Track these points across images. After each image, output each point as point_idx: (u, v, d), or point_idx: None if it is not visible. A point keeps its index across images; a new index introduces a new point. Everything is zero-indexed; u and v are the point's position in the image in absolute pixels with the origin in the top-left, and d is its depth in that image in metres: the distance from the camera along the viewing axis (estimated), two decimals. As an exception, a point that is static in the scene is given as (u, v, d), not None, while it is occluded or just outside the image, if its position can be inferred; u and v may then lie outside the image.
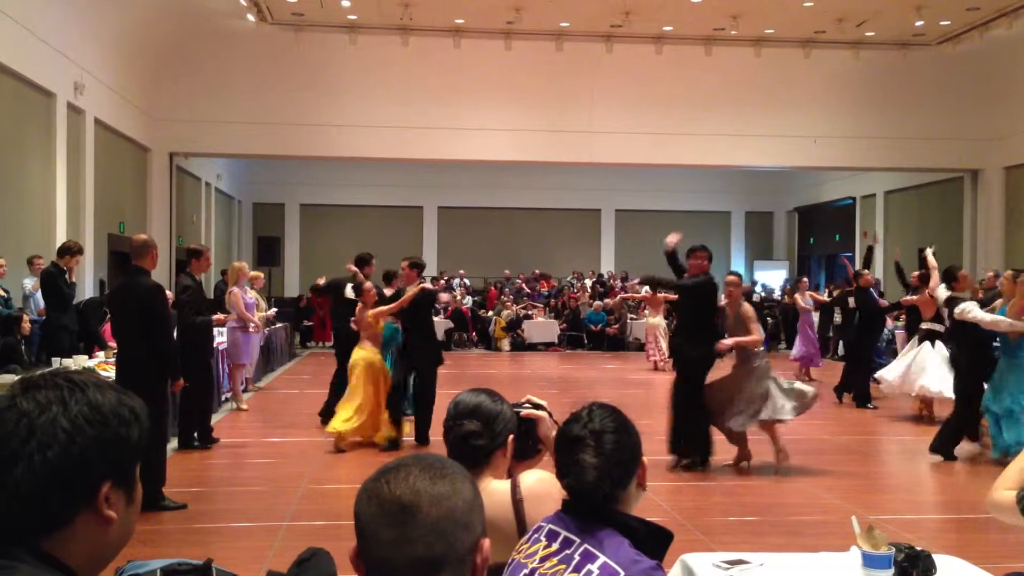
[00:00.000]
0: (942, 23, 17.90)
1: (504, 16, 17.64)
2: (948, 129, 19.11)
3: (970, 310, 7.67)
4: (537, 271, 25.03)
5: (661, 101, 19.29)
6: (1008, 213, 19.03)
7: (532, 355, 19.69)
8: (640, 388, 14.06)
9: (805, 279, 16.96)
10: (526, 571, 2.04)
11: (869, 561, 2.49)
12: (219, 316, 9.22)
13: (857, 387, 11.90)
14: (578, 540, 2.05)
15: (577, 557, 2.02)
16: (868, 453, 9.22)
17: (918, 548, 2.72)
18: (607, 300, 21.13)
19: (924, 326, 10.63)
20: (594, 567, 1.98)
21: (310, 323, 20.99)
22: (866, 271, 12.41)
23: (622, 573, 1.94)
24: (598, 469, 2.05)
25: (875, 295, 12.38)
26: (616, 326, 20.93)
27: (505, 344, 20.37)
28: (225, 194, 23.90)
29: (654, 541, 2.05)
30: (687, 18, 17.87)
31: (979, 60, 18.84)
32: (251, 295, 11.44)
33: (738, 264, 28.56)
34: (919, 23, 17.71)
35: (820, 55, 19.32)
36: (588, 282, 23.77)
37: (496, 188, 26.55)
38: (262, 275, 13.50)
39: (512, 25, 18.24)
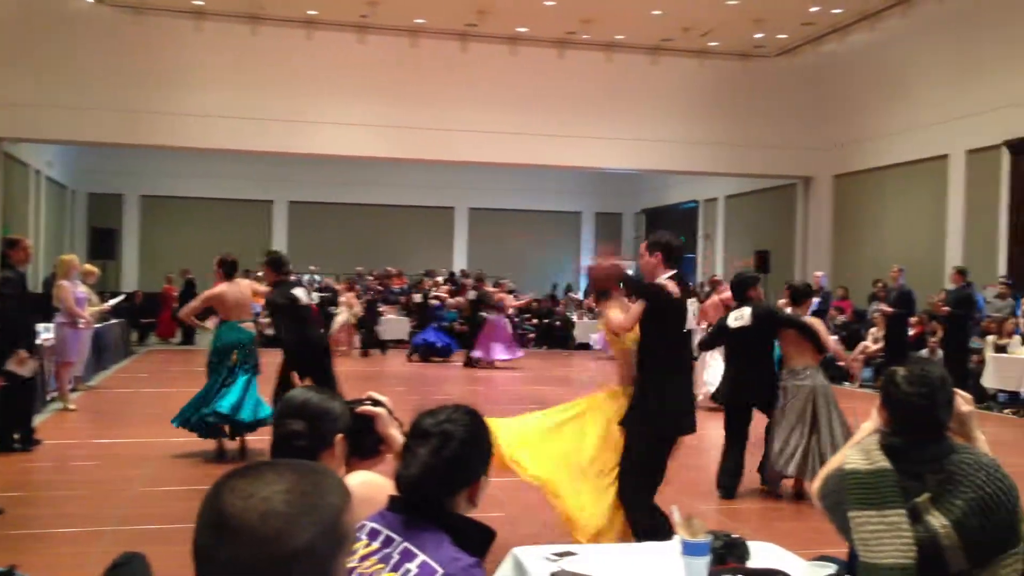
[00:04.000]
0: (779, 36, 18.82)
1: (358, 9, 17.42)
2: (784, 138, 20.10)
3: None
4: (390, 268, 24.82)
5: (515, 101, 19.48)
6: (836, 219, 20.18)
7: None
8: (487, 385, 14.16)
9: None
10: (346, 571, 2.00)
11: (688, 549, 2.57)
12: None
13: None
14: (399, 538, 2.02)
15: (396, 556, 1.99)
16: (702, 447, 9.55)
17: (735, 535, 2.83)
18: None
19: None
20: (413, 565, 1.95)
21: (151, 320, 20.10)
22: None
23: (441, 571, 1.92)
24: (426, 468, 2.03)
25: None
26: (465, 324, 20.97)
27: (356, 341, 20.10)
28: (57, 183, 22.59)
29: (476, 539, 2.04)
30: (540, 21, 18.13)
31: (813, 73, 19.90)
32: (83, 290, 10.85)
33: (587, 264, 29.18)
34: (759, 35, 18.56)
35: (667, 62, 19.98)
36: (440, 279, 23.74)
37: (349, 184, 26.20)
38: (96, 270, 12.82)
39: (366, 19, 18.06)
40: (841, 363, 14.48)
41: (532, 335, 21.69)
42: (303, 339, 7.89)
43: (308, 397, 2.56)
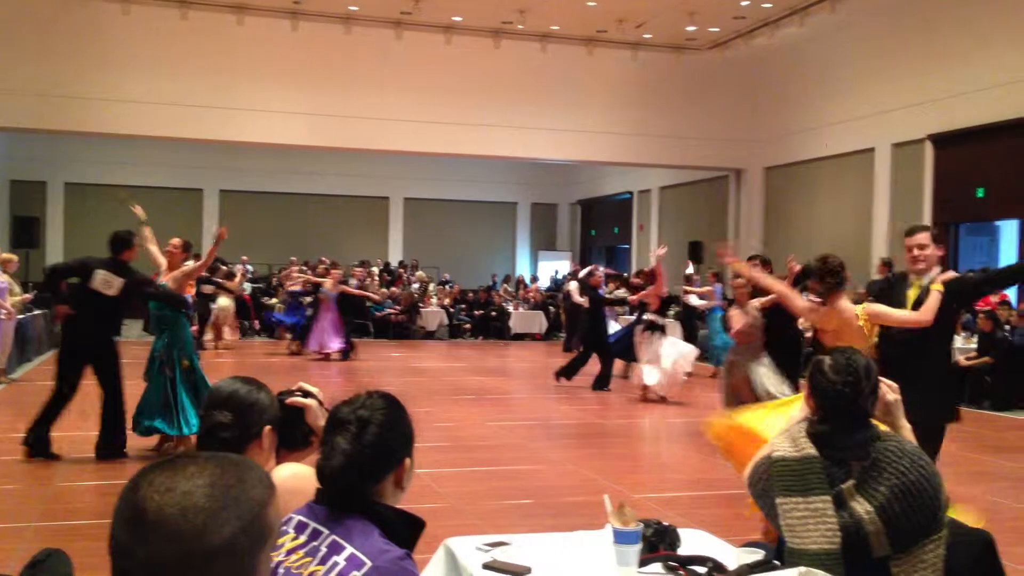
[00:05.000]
0: (711, 30, 19.04)
1: (290, -5, 17.17)
2: (716, 130, 20.36)
3: None
4: (324, 258, 24.55)
5: (450, 91, 19.39)
6: (767, 210, 20.54)
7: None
8: (424, 376, 14.11)
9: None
10: (270, 566, 1.96)
11: (620, 537, 2.59)
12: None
13: (601, 371, 12.65)
14: (326, 531, 1.99)
15: (324, 549, 1.96)
16: (632, 435, 9.68)
17: (665, 523, 2.86)
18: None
19: (647, 317, 11.68)
20: (340, 558, 1.92)
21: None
22: (599, 271, 14.12)
23: (369, 563, 1.89)
24: (348, 457, 2.00)
25: (602, 293, 13.40)
26: (403, 315, 20.89)
27: (288, 332, 19.85)
28: (-25, 170, 21.88)
29: (406, 530, 2.02)
30: (475, 10, 18.07)
31: (744, 66, 20.18)
32: (3, 279, 10.52)
33: (523, 254, 29.29)
34: (691, 28, 18.75)
35: (602, 53, 20.08)
36: (375, 270, 23.60)
37: (282, 172, 25.83)
38: (16, 258, 12.45)
39: (299, 5, 17.79)
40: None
41: (468, 325, 21.69)
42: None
43: (235, 388, 2.52)
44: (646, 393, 11.52)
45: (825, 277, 5.18)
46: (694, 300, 15.55)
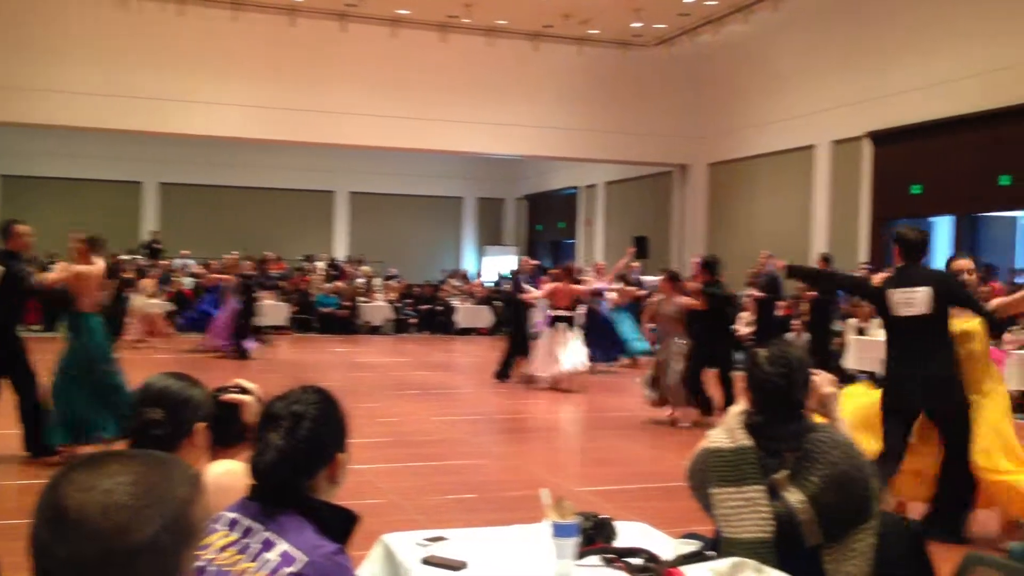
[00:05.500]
0: (657, 26, 19.18)
1: (232, -14, 16.92)
2: (661, 126, 20.53)
3: None
4: (268, 253, 24.26)
5: (396, 84, 19.26)
6: (711, 206, 20.78)
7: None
8: (368, 372, 14.02)
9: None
10: (200, 564, 1.93)
11: (558, 531, 2.60)
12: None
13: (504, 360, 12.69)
14: (259, 527, 1.97)
15: (256, 545, 1.94)
16: (559, 428, 9.74)
17: (603, 516, 2.87)
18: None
19: (551, 313, 11.95)
20: (272, 555, 1.90)
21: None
22: (529, 262, 14.75)
23: (303, 559, 1.88)
24: (281, 452, 1.99)
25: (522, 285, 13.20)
26: (347, 309, 20.73)
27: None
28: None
29: (339, 524, 2.01)
30: (421, 3, 17.98)
31: (689, 63, 20.38)
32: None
33: (469, 249, 29.26)
34: (637, 24, 18.88)
35: (548, 48, 20.11)
36: (320, 264, 23.40)
37: (225, 165, 25.44)
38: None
39: (241, -4, 17.55)
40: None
41: (414, 320, 21.59)
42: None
43: (167, 384, 2.48)
44: (543, 383, 11.72)
45: None
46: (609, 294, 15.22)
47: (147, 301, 17.00)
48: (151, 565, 1.14)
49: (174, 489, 1.18)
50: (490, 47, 19.73)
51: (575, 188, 26.10)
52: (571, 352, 11.58)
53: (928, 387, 5.15)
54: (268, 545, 1.93)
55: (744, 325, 14.74)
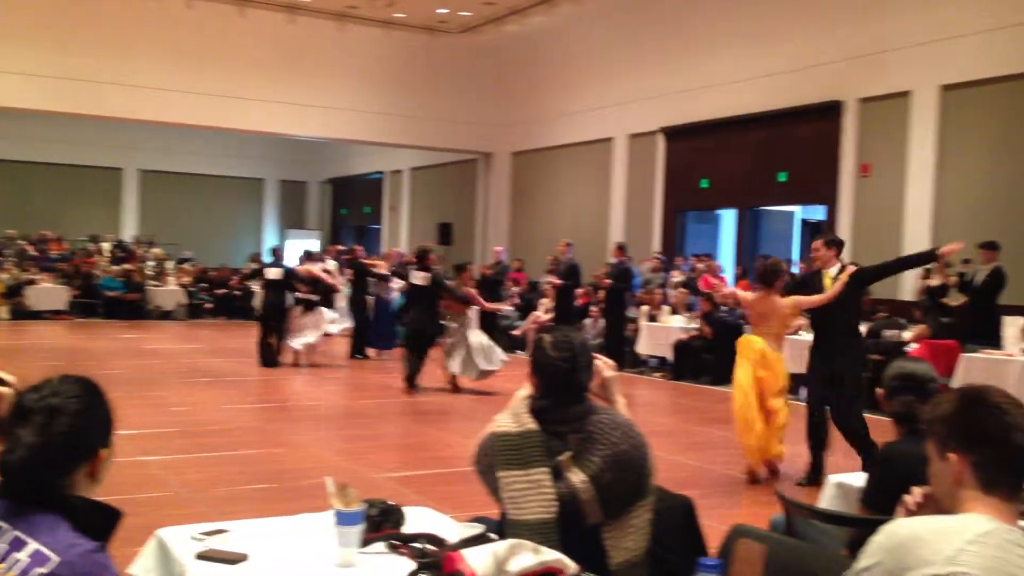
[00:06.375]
0: (462, 14, 19.26)
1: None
2: (466, 113, 20.67)
3: None
4: (47, 232, 22.63)
5: (190, 57, 18.38)
6: (514, 194, 21.14)
7: (36, 324, 17.78)
8: (157, 358, 13.35)
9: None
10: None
11: (341, 518, 2.55)
12: None
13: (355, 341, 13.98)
14: (7, 527, 1.81)
15: (4, 545, 1.79)
16: (376, 415, 9.66)
17: (390, 502, 2.85)
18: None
19: (300, 295, 12.92)
20: (23, 555, 1.76)
21: None
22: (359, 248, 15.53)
23: (55, 559, 1.75)
24: (32, 450, 1.83)
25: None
26: (137, 293, 19.66)
27: (4, 312, 18.19)
28: None
29: (99, 521, 1.87)
30: (219, -27, 17.25)
31: (495, 52, 20.60)
32: None
33: (271, 232, 28.41)
34: (443, 11, 18.88)
35: (353, 30, 19.77)
36: (106, 246, 22.05)
37: (3, 138, 23.52)
38: None
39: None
40: (516, 332, 15.23)
41: (209, 305, 20.73)
42: None
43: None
44: (296, 358, 12.77)
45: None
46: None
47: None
48: None
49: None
50: (291, 24, 19.18)
51: (381, 173, 25.87)
52: (317, 329, 12.81)
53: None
54: (17, 545, 1.79)
55: (544, 311, 15.09)
